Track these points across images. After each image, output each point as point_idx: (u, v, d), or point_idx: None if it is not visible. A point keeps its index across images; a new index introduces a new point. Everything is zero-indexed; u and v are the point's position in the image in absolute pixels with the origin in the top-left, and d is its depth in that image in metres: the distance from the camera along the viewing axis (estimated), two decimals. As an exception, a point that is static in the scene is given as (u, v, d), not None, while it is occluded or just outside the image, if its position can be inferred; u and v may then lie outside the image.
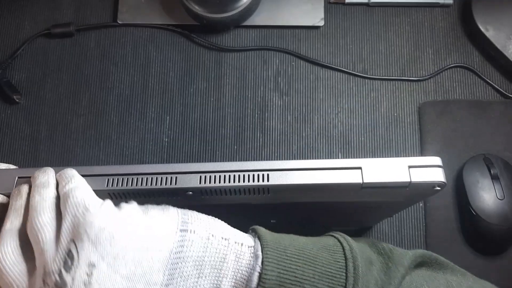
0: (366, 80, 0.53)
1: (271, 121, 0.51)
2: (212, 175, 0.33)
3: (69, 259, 0.25)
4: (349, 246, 0.28)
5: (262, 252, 0.26)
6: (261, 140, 0.51)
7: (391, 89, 0.52)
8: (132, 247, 0.25)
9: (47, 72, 0.53)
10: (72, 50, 0.54)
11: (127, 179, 0.33)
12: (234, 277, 0.26)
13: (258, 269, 0.26)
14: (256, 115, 0.51)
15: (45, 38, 0.54)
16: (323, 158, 0.50)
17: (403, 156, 0.50)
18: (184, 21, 0.54)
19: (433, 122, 0.50)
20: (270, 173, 0.32)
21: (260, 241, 0.27)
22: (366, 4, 0.55)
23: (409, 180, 0.31)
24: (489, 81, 0.52)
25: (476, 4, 0.53)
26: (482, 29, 0.52)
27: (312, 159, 0.50)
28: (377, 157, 0.50)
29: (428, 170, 0.32)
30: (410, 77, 0.52)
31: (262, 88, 0.52)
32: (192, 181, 0.33)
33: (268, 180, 0.32)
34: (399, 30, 0.54)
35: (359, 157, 0.50)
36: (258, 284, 0.25)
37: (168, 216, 0.27)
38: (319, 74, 0.53)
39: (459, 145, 0.50)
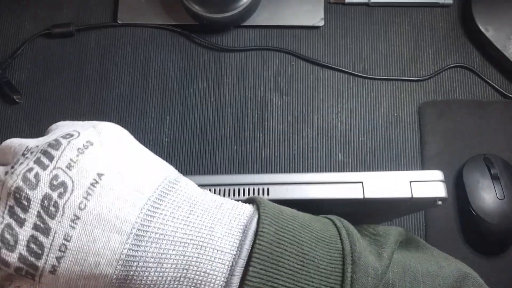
0: (366, 80, 0.53)
1: (271, 121, 0.51)
2: (212, 188, 0.32)
3: (67, 135, 0.25)
4: (339, 220, 0.27)
5: (259, 209, 0.25)
6: (261, 140, 0.51)
7: (391, 89, 0.52)
8: (135, 154, 0.26)
9: (47, 72, 0.53)
10: (72, 50, 0.54)
11: None
12: (229, 223, 0.24)
13: (254, 222, 0.24)
14: (256, 115, 0.51)
15: (45, 38, 0.54)
16: (323, 158, 0.50)
17: (403, 156, 0.50)
18: (184, 21, 0.54)
19: (433, 122, 0.50)
20: (270, 187, 0.32)
21: (255, 201, 0.26)
22: (366, 4, 0.55)
23: (410, 196, 0.31)
24: (489, 81, 0.52)
25: (476, 4, 0.53)
26: (482, 29, 0.52)
27: (312, 159, 0.50)
28: (377, 157, 0.50)
29: (429, 184, 0.32)
30: (410, 77, 0.52)
31: (262, 88, 0.52)
32: None
33: (268, 195, 0.31)
34: (399, 30, 0.54)
35: (359, 157, 0.50)
36: (255, 238, 0.23)
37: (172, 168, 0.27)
38: (319, 74, 0.53)
39: (459, 145, 0.50)
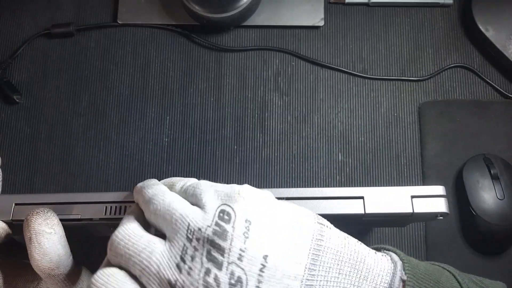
0: (366, 80, 0.53)
1: (271, 121, 0.51)
2: None
3: (224, 215, 0.25)
4: (456, 271, 0.28)
5: (400, 258, 0.26)
6: (261, 140, 0.51)
7: (391, 89, 0.52)
8: (280, 218, 0.25)
9: (47, 72, 0.53)
10: (72, 50, 0.54)
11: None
12: (374, 280, 0.25)
13: (399, 274, 0.25)
14: (256, 115, 0.51)
15: (45, 38, 0.54)
16: (323, 158, 0.50)
17: (403, 156, 0.50)
18: (184, 21, 0.54)
19: (433, 122, 0.50)
20: None
21: (390, 251, 0.27)
22: (366, 4, 0.55)
23: (411, 211, 0.31)
24: (489, 81, 0.52)
25: (476, 4, 0.53)
26: (482, 29, 0.52)
27: (312, 159, 0.50)
28: (377, 157, 0.50)
29: (431, 200, 0.32)
30: (410, 77, 0.52)
31: (262, 88, 0.52)
32: None
33: None
34: (399, 30, 0.54)
35: (359, 157, 0.50)
36: None
37: (305, 209, 0.27)
38: (319, 74, 0.53)
39: (459, 145, 0.50)
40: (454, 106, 0.51)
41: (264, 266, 0.24)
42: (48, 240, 0.29)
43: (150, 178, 0.49)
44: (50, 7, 0.55)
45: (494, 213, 0.45)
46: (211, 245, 0.24)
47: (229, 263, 0.24)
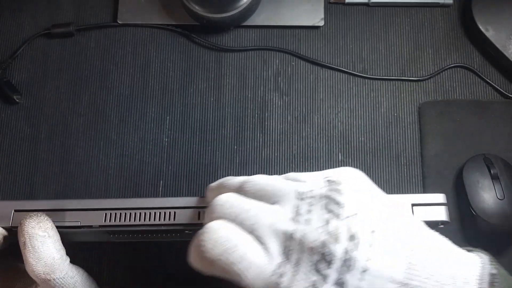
0: (366, 80, 0.53)
1: (271, 121, 0.51)
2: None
3: (332, 183, 0.26)
4: None
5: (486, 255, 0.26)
6: (261, 140, 0.51)
7: (391, 89, 0.52)
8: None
9: (47, 72, 0.53)
10: (72, 50, 0.54)
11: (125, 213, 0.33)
12: (465, 276, 0.25)
13: (488, 269, 0.25)
14: (256, 115, 0.51)
15: (45, 38, 0.54)
16: (323, 158, 0.50)
17: (403, 156, 0.50)
18: (184, 21, 0.54)
19: (433, 122, 0.50)
20: None
21: (487, 266, 0.26)
22: (366, 4, 0.55)
23: None
24: (489, 81, 0.52)
25: (476, 4, 0.53)
26: (482, 29, 0.52)
27: (312, 159, 0.50)
28: (377, 157, 0.50)
29: (431, 208, 0.32)
30: (410, 77, 0.52)
31: (262, 88, 0.52)
32: (191, 217, 0.32)
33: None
34: (399, 30, 0.54)
35: (359, 157, 0.50)
36: None
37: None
38: (319, 74, 0.53)
39: (459, 145, 0.50)
40: (454, 106, 0.51)
41: (373, 234, 0.24)
42: (42, 243, 0.30)
43: (150, 178, 0.50)
44: (50, 7, 0.55)
45: (494, 213, 0.45)
46: (327, 199, 0.25)
47: (346, 217, 0.24)
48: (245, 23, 0.54)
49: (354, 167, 0.49)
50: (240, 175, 0.49)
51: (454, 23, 0.54)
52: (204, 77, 0.53)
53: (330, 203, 0.25)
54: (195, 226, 0.32)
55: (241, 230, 0.25)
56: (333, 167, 0.48)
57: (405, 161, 0.50)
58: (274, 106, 0.52)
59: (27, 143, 0.51)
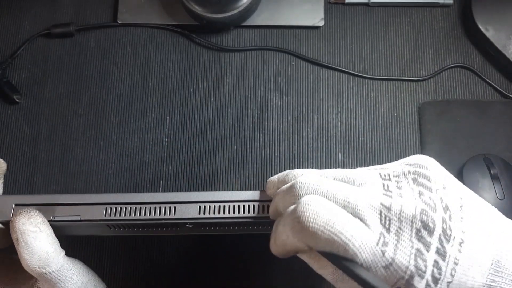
0: (366, 80, 0.53)
1: (271, 121, 0.51)
2: (212, 205, 0.32)
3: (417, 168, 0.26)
4: None
5: None
6: (261, 140, 0.51)
7: (391, 89, 0.52)
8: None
9: (47, 72, 0.53)
10: (72, 50, 0.54)
11: (125, 208, 0.32)
12: None
13: None
14: (256, 115, 0.51)
15: (45, 38, 0.54)
16: (323, 158, 0.50)
17: (403, 156, 0.50)
18: (184, 21, 0.54)
19: (433, 122, 0.50)
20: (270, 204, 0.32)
21: None
22: (366, 4, 0.55)
23: None
24: (489, 81, 0.52)
25: (476, 4, 0.53)
26: (482, 29, 0.52)
27: (312, 159, 0.50)
28: (378, 157, 0.50)
29: None
30: (410, 77, 0.52)
31: (262, 88, 0.52)
32: (191, 212, 0.32)
33: (268, 213, 0.31)
34: (399, 30, 0.54)
35: (359, 157, 0.50)
36: None
37: None
38: (319, 74, 0.53)
39: (459, 145, 0.50)
40: (454, 106, 0.51)
41: (461, 206, 0.25)
42: (35, 239, 0.30)
43: (150, 178, 0.50)
44: (50, 7, 0.55)
45: (494, 213, 0.45)
46: (415, 174, 0.26)
47: (436, 189, 0.25)
48: (245, 23, 0.54)
49: (354, 167, 0.50)
50: (240, 175, 0.50)
51: (454, 23, 0.54)
52: (204, 77, 0.53)
53: (418, 177, 0.26)
54: (258, 219, 0.32)
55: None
56: (333, 167, 0.48)
57: (405, 161, 0.50)
58: (274, 106, 0.52)
59: (27, 143, 0.51)
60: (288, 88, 0.52)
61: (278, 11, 0.54)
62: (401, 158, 0.49)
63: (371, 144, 0.50)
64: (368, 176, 0.27)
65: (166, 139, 0.51)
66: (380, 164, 0.47)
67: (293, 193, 0.27)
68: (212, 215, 0.32)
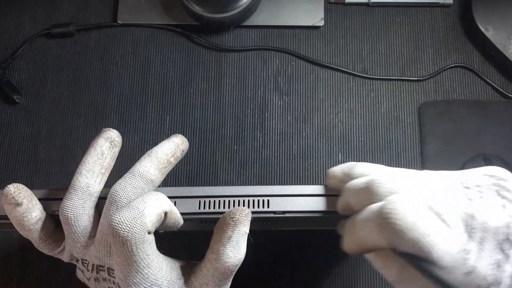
0: (366, 80, 0.53)
1: (271, 121, 0.51)
2: (212, 200, 0.32)
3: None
4: None
5: None
6: (261, 140, 0.51)
7: (391, 89, 0.52)
8: None
9: (47, 72, 0.53)
10: (72, 50, 0.54)
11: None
12: None
13: None
14: (256, 115, 0.51)
15: (45, 38, 0.54)
16: (323, 158, 0.50)
17: (403, 156, 0.50)
18: (184, 21, 0.54)
19: (433, 122, 0.50)
20: (270, 198, 0.31)
21: None
22: (366, 4, 0.55)
23: None
24: (489, 81, 0.52)
25: (476, 4, 0.53)
26: (482, 29, 0.52)
27: (312, 159, 0.50)
28: (377, 157, 0.50)
29: None
30: (410, 77, 0.52)
31: (262, 88, 0.52)
32: (192, 207, 0.32)
33: (268, 207, 0.31)
34: (399, 30, 0.54)
35: (359, 157, 0.50)
36: None
37: None
38: (319, 74, 0.53)
39: (459, 145, 0.50)
40: (454, 106, 0.51)
41: None
42: (13, 214, 0.31)
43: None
44: (50, 7, 0.55)
45: (494, 213, 0.45)
46: (497, 186, 0.26)
47: None
48: (245, 23, 0.54)
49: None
50: (240, 175, 0.50)
51: (454, 23, 0.54)
52: (204, 77, 0.53)
53: (501, 190, 0.26)
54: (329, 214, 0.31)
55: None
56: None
57: (405, 161, 0.50)
58: (274, 106, 0.52)
59: (27, 143, 0.51)
60: (288, 88, 0.52)
61: (278, 11, 0.54)
62: (401, 158, 0.50)
63: (371, 144, 0.50)
64: (450, 181, 0.27)
65: (166, 139, 0.51)
66: (381, 164, 0.47)
67: (370, 191, 0.27)
68: (212, 209, 0.31)
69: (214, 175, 0.49)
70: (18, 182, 0.49)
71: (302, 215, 0.31)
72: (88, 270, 0.31)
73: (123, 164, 0.50)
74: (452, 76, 0.53)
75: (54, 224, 0.33)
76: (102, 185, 0.33)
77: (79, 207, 0.31)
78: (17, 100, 0.52)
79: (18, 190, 0.30)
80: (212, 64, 0.53)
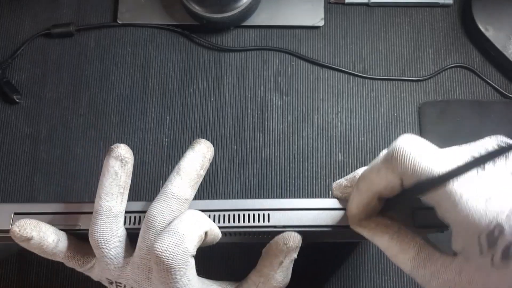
0: (366, 80, 0.53)
1: (271, 121, 0.51)
2: (212, 214, 0.31)
3: None
4: None
5: None
6: (261, 140, 0.51)
7: (391, 89, 0.52)
8: None
9: (47, 72, 0.53)
10: (72, 50, 0.54)
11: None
12: None
13: None
14: (256, 115, 0.51)
15: (45, 38, 0.54)
16: (323, 158, 0.50)
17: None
18: (184, 21, 0.54)
19: (433, 122, 0.50)
20: (270, 212, 0.31)
21: None
22: (366, 4, 0.55)
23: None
24: (489, 81, 0.52)
25: (476, 4, 0.53)
26: (482, 29, 0.52)
27: (312, 159, 0.50)
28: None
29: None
30: (410, 77, 0.52)
31: (262, 88, 0.52)
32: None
33: (268, 221, 0.31)
34: (399, 30, 0.54)
35: (359, 157, 0.50)
36: None
37: None
38: (319, 74, 0.53)
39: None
40: (454, 106, 0.51)
41: None
42: (30, 247, 0.31)
43: (150, 178, 0.50)
44: (50, 7, 0.55)
45: (494, 213, 0.45)
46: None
47: None
48: (245, 23, 0.54)
49: (354, 167, 0.50)
50: (240, 175, 0.49)
51: (454, 23, 0.54)
52: (204, 77, 0.53)
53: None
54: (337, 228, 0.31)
55: None
56: (333, 167, 0.48)
57: (405, 161, 0.50)
58: (274, 106, 0.52)
59: (27, 143, 0.51)
60: (288, 88, 0.52)
61: (278, 11, 0.54)
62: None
63: (371, 144, 0.50)
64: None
65: (166, 139, 0.51)
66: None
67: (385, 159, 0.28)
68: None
69: (214, 175, 0.49)
70: (18, 182, 0.49)
71: (302, 229, 0.31)
72: None
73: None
74: (452, 76, 0.53)
75: (75, 238, 0.33)
76: (124, 204, 0.32)
77: (106, 230, 0.31)
78: (17, 100, 0.52)
79: (22, 228, 0.30)
80: (212, 64, 0.53)
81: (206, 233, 0.29)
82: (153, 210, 0.30)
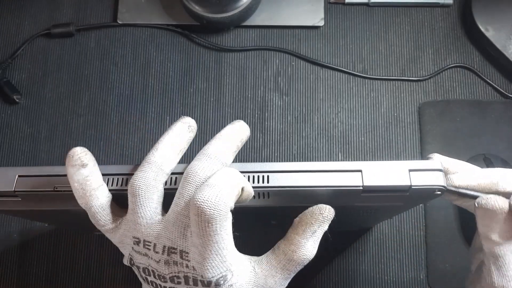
0: (366, 80, 0.53)
1: (271, 121, 0.51)
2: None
3: None
4: None
5: None
6: (261, 140, 0.51)
7: (391, 89, 0.52)
8: None
9: (47, 72, 0.53)
10: (72, 50, 0.54)
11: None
12: None
13: None
14: (256, 115, 0.51)
15: (45, 38, 0.54)
16: (323, 158, 0.50)
17: (403, 156, 0.50)
18: (184, 21, 0.54)
19: (433, 122, 0.50)
20: (270, 174, 0.32)
21: None
22: (366, 4, 0.55)
23: (409, 184, 0.31)
24: (489, 81, 0.52)
25: (476, 4, 0.53)
26: (482, 29, 0.52)
27: (312, 159, 0.50)
28: (377, 157, 0.50)
29: (428, 174, 0.32)
30: (410, 77, 0.52)
31: (262, 88, 0.52)
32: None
33: (268, 182, 0.31)
34: (399, 30, 0.54)
35: (359, 157, 0.50)
36: None
37: None
38: (319, 74, 0.53)
39: (459, 145, 0.50)
40: (454, 106, 0.51)
41: None
42: (76, 176, 0.30)
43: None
44: (50, 7, 0.55)
45: (494, 213, 0.45)
46: None
47: None
48: (245, 23, 0.54)
49: (354, 167, 0.50)
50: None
51: (454, 23, 0.54)
52: (204, 77, 0.53)
53: None
54: None
55: None
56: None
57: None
58: (274, 106, 0.52)
59: (27, 143, 0.51)
60: (288, 88, 0.52)
61: (278, 11, 0.54)
62: (401, 158, 0.50)
63: (371, 144, 0.50)
64: None
65: (166, 139, 0.51)
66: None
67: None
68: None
69: (214, 175, 0.49)
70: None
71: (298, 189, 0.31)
72: (157, 252, 0.30)
73: (123, 164, 0.50)
74: (452, 76, 0.53)
75: (112, 198, 0.32)
76: (173, 166, 0.32)
77: (151, 179, 0.30)
78: (17, 100, 0.52)
79: (84, 152, 0.29)
80: (212, 64, 0.53)
81: (242, 189, 0.29)
82: (195, 167, 0.30)
